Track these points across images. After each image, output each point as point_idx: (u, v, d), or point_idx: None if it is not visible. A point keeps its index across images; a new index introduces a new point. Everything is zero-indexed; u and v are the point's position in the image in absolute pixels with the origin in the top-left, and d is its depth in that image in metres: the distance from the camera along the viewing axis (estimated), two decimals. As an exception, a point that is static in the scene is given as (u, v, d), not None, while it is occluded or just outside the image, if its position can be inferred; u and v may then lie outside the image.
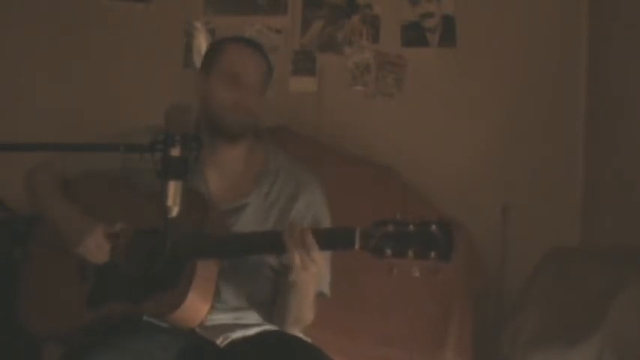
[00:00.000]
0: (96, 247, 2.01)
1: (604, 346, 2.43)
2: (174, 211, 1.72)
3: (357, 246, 1.75)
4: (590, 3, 3.39)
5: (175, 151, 1.74)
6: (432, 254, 1.68)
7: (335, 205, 2.18)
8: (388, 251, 1.71)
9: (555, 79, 3.41)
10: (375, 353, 2.77)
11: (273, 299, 2.09)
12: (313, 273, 1.85)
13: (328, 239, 1.83)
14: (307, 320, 2.07)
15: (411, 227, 1.70)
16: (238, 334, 2.05)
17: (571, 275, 2.75)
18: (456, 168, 3.41)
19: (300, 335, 2.09)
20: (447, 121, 3.44)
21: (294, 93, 3.49)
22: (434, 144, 3.44)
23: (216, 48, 2.18)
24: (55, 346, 2.18)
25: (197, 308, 1.95)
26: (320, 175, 2.21)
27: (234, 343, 2.04)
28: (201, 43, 3.46)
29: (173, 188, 1.72)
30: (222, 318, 2.06)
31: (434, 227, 1.69)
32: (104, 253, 2.01)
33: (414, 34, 3.46)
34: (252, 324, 2.10)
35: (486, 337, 2.94)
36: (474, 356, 2.86)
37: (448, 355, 2.80)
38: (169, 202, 1.72)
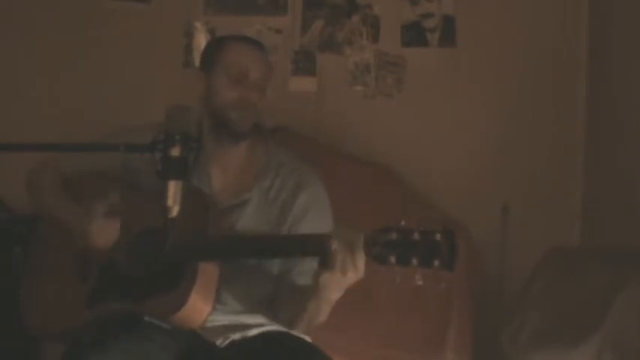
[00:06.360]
0: (101, 230, 2.00)
1: (604, 346, 2.43)
2: (175, 211, 1.72)
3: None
4: (590, 3, 3.39)
5: (175, 151, 1.73)
6: (436, 263, 1.66)
7: (335, 204, 2.17)
8: (392, 259, 1.69)
9: (555, 78, 3.41)
10: (375, 353, 2.77)
11: (273, 299, 2.09)
12: (349, 278, 1.76)
13: None
14: (318, 323, 2.00)
15: (416, 235, 1.69)
16: (238, 335, 2.05)
17: (571, 275, 2.75)
18: (456, 168, 3.41)
19: (301, 335, 2.08)
20: (447, 121, 3.44)
21: (294, 93, 3.49)
22: (434, 144, 3.44)
23: (216, 46, 2.15)
24: (55, 346, 2.17)
25: (199, 309, 1.94)
26: (320, 175, 2.20)
27: (235, 344, 2.04)
28: (201, 43, 3.46)
29: (173, 188, 1.72)
30: (222, 319, 2.06)
31: (438, 236, 1.67)
32: (111, 232, 2.00)
33: (414, 34, 3.46)
34: (252, 325, 2.09)
35: (486, 337, 2.94)
36: (473, 356, 2.86)
37: (448, 355, 2.80)
38: (169, 202, 1.72)
